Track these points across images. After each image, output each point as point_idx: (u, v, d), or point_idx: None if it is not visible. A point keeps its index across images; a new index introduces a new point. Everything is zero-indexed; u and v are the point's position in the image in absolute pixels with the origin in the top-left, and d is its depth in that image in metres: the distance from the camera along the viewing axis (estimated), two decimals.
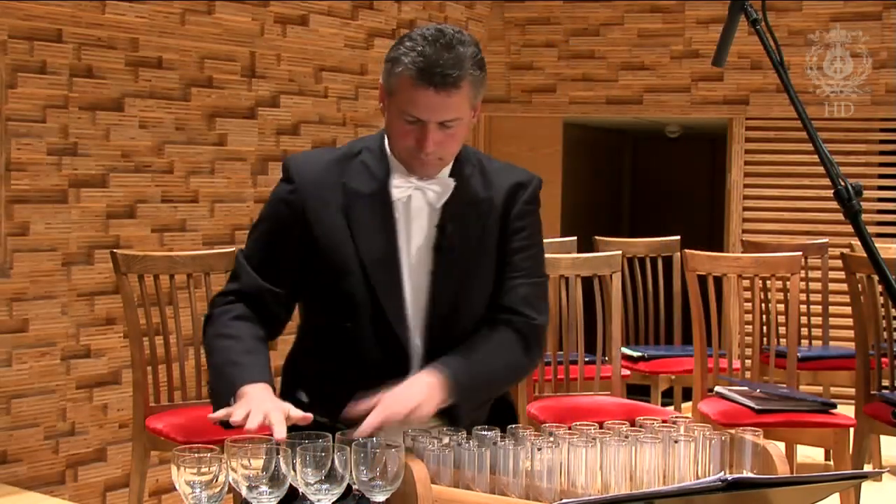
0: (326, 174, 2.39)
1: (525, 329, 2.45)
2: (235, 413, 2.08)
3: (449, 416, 2.29)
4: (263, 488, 1.84)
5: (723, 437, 2.11)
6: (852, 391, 4.36)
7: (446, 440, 2.09)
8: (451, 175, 2.40)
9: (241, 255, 2.47)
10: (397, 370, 2.35)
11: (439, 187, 2.37)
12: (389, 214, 2.37)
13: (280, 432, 2.01)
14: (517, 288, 2.46)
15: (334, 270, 2.35)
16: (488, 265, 2.44)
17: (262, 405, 2.10)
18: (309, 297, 2.43)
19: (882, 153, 6.44)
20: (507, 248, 2.45)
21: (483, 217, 2.42)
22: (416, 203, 2.38)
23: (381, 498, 1.91)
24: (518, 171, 2.53)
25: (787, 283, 4.43)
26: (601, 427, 2.15)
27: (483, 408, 2.46)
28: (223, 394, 2.24)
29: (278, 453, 1.86)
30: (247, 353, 2.31)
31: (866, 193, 5.83)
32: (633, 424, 2.19)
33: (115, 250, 3.78)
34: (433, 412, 2.25)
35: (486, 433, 2.10)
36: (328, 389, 2.33)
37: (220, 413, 2.11)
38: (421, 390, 2.25)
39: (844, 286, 4.33)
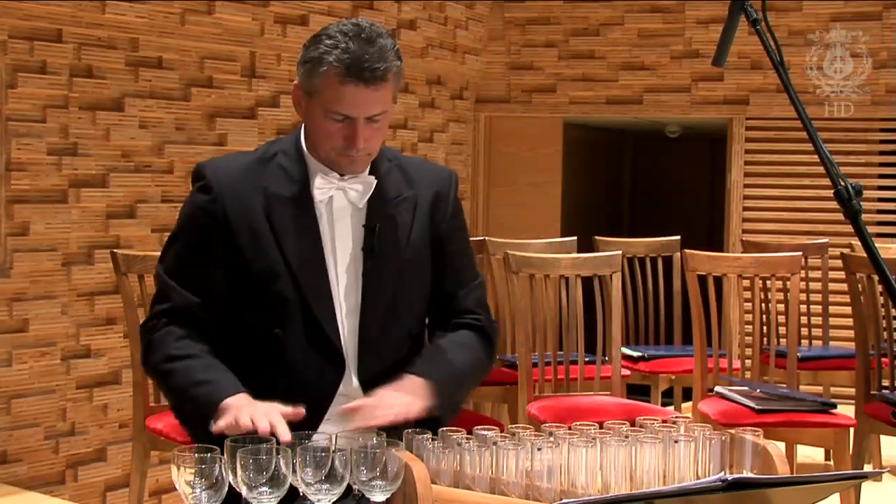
0: (245, 179, 2.36)
1: (487, 330, 2.50)
2: (241, 419, 2.06)
3: (431, 420, 2.27)
4: (264, 488, 1.84)
5: (723, 437, 2.11)
6: (852, 391, 4.36)
7: (446, 440, 2.09)
8: (370, 173, 2.38)
9: (163, 271, 2.38)
10: (330, 375, 2.34)
11: (361, 186, 2.36)
12: (312, 216, 2.35)
13: (285, 434, 2.01)
14: (470, 292, 2.51)
15: (262, 276, 2.32)
16: (422, 265, 2.44)
17: (257, 409, 2.10)
18: (236, 304, 2.36)
19: (882, 153, 6.44)
20: (445, 248, 2.47)
21: (410, 215, 2.42)
22: (338, 203, 2.36)
23: (381, 498, 1.91)
24: (436, 168, 2.56)
25: (787, 283, 4.43)
26: (601, 427, 2.15)
27: (457, 413, 2.46)
28: (199, 415, 2.19)
29: (279, 453, 1.86)
30: (208, 369, 2.27)
31: (866, 193, 5.84)
32: (633, 424, 2.19)
33: (115, 250, 3.78)
34: (422, 414, 2.24)
35: (486, 433, 2.10)
36: (259, 399, 2.20)
37: (222, 424, 2.08)
38: (410, 392, 2.26)
39: (844, 286, 4.33)
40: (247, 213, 2.33)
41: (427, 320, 2.53)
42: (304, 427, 2.08)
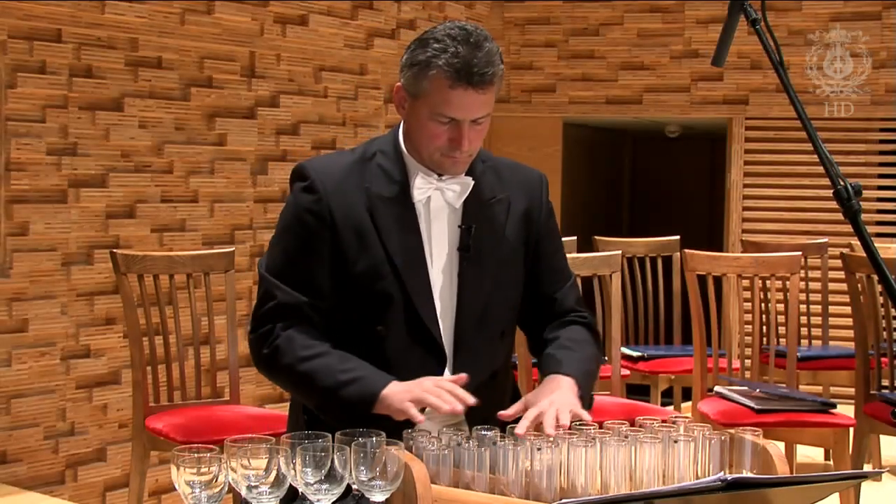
0: (347, 179, 2.38)
1: (591, 325, 2.56)
2: (431, 400, 2.18)
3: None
4: (263, 488, 1.84)
5: (722, 437, 2.11)
6: (852, 391, 4.36)
7: (446, 440, 2.09)
8: (466, 174, 2.41)
9: (267, 271, 2.39)
10: (431, 372, 2.36)
11: (458, 186, 2.39)
12: (412, 216, 2.38)
13: (470, 398, 2.18)
14: (569, 291, 2.56)
15: (367, 274, 2.35)
16: (515, 267, 2.47)
17: (425, 387, 2.21)
18: (340, 302, 2.39)
19: (882, 153, 6.44)
20: (542, 250, 2.51)
21: (503, 216, 2.45)
22: (436, 203, 2.40)
23: (381, 498, 1.91)
24: (526, 170, 2.58)
25: (787, 283, 4.43)
26: (601, 427, 2.15)
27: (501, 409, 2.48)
28: (355, 412, 2.24)
29: (278, 453, 1.86)
30: (346, 363, 2.31)
31: (866, 193, 5.85)
32: (632, 424, 2.19)
33: (114, 250, 3.78)
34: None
35: (485, 433, 2.10)
36: None
37: (418, 416, 2.17)
38: (570, 393, 2.28)
39: (844, 286, 4.33)
40: (351, 212, 2.35)
41: (525, 321, 2.57)
42: (403, 424, 2.14)
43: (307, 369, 2.32)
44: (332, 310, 2.39)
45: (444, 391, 2.19)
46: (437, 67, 2.27)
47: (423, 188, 2.37)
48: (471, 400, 2.19)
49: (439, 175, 2.38)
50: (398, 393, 2.22)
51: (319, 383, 2.31)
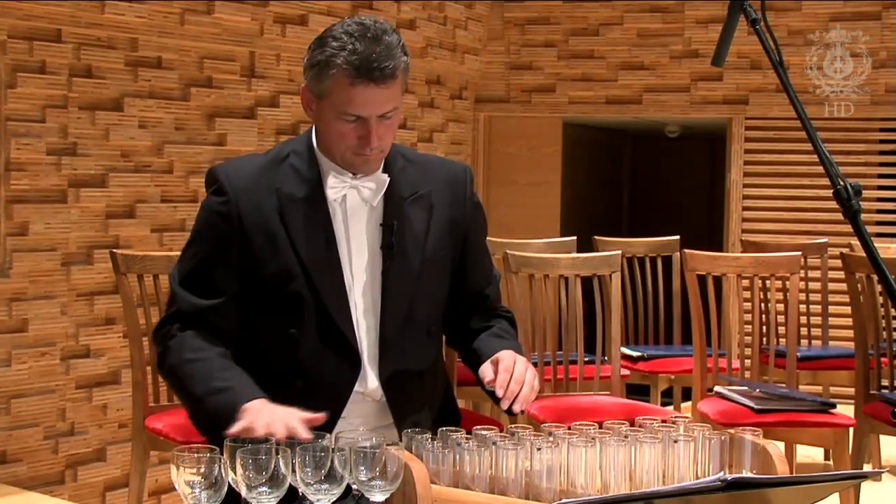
0: (258, 181, 2.36)
1: (512, 321, 2.60)
2: (257, 428, 2.03)
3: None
4: (263, 488, 1.84)
5: (722, 437, 2.11)
6: (852, 391, 4.36)
7: (446, 440, 2.09)
8: (383, 170, 2.39)
9: (174, 279, 2.39)
10: (346, 374, 2.34)
11: (374, 183, 2.36)
12: (325, 216, 2.36)
13: (305, 434, 2.02)
14: (492, 285, 2.58)
15: (277, 276, 2.32)
16: (441, 263, 2.45)
17: (275, 416, 2.08)
18: (252, 305, 2.37)
19: (882, 153, 6.45)
20: (470, 246, 2.50)
21: (426, 213, 2.42)
22: (352, 202, 2.37)
23: (381, 498, 1.91)
24: (450, 164, 2.57)
25: (787, 282, 4.43)
26: (601, 427, 2.15)
27: (431, 410, 2.47)
28: (218, 424, 2.13)
29: (278, 453, 1.86)
30: (224, 372, 2.27)
31: (866, 193, 5.85)
32: (632, 424, 2.19)
33: (114, 250, 3.77)
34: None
35: (485, 433, 2.10)
36: (275, 400, 2.19)
37: (237, 430, 2.04)
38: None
39: (844, 286, 4.33)
40: (260, 214, 2.33)
41: (450, 316, 2.54)
42: (320, 427, 2.08)
43: (186, 371, 2.29)
44: (247, 313, 2.37)
45: (283, 429, 2.03)
46: (336, 66, 2.24)
47: (337, 187, 2.35)
48: (305, 438, 2.03)
49: (353, 174, 2.35)
50: (249, 412, 2.12)
51: (192, 387, 2.27)
